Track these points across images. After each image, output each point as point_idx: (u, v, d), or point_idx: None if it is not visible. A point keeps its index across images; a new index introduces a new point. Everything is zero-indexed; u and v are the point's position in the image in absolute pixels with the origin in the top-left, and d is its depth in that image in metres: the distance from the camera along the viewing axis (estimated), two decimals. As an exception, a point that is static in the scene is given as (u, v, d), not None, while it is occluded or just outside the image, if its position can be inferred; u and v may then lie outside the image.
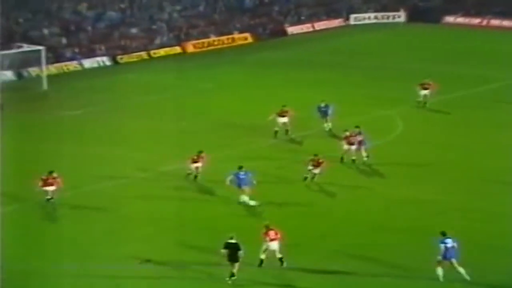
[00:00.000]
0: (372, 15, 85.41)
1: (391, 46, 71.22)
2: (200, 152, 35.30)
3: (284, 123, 41.27)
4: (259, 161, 36.78)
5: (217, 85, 55.26)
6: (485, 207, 31.96)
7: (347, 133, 37.07)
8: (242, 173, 31.89)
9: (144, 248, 28.23)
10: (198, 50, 71.16)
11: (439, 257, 25.44)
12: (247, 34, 76.07)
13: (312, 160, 33.85)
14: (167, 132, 42.64)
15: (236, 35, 75.49)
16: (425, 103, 46.82)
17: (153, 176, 35.72)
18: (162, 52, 68.97)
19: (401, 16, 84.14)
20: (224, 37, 74.38)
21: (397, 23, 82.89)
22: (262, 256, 26.32)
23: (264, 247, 26.32)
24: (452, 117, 45.63)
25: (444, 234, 25.65)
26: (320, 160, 33.81)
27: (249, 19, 79.73)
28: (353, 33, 78.95)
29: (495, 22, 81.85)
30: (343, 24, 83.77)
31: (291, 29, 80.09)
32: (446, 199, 32.65)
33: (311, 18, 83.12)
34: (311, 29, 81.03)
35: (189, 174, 35.18)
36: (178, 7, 78.55)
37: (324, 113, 42.05)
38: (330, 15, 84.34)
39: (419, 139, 41.09)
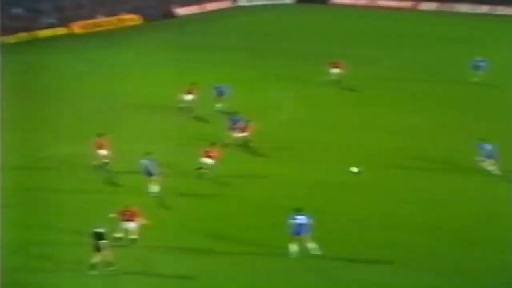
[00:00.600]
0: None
1: (280, 28, 71.49)
2: (101, 135, 33.38)
3: (191, 101, 41.04)
4: (161, 143, 35.91)
5: (105, 67, 54.02)
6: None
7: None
8: (147, 161, 30.74)
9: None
10: (85, 31, 69.36)
11: (291, 233, 25.16)
12: (135, 16, 74.80)
13: (206, 152, 32.46)
14: (53, 116, 41.16)
15: (124, 16, 74.11)
16: (338, 81, 47.27)
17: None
18: (47, 33, 66.86)
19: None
20: (112, 18, 72.91)
21: (287, 4, 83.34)
22: (119, 235, 26.17)
23: (121, 226, 26.28)
24: (343, 96, 45.96)
25: (298, 210, 25.36)
26: (211, 154, 32.37)
27: (137, 0, 78.44)
28: (243, 14, 78.96)
29: (382, 2, 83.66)
30: (232, 5, 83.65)
31: (180, 11, 79.28)
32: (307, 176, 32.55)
33: (200, 0, 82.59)
34: (200, 11, 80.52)
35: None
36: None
37: (220, 93, 41.95)
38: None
39: (310, 120, 40.97)
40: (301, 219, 25.37)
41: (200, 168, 32.22)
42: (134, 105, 43.08)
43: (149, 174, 30.66)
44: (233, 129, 36.30)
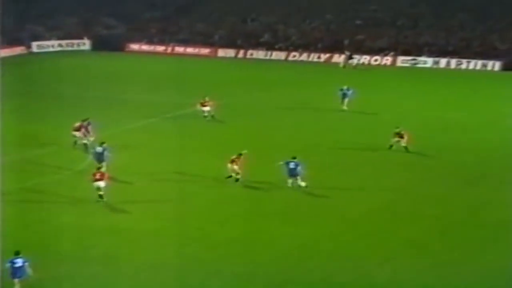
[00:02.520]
0: (56, 43, 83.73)
1: (75, 73, 69.83)
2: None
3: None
4: None
5: None
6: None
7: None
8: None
9: None
10: None
11: None
12: None
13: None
14: None
15: None
16: (212, 116, 49.28)
17: None
18: None
19: (86, 44, 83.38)
20: None
21: (82, 51, 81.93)
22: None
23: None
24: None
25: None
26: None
27: None
28: (36, 60, 76.68)
29: (179, 49, 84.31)
30: (25, 51, 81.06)
31: (-32, 58, 75.67)
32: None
33: (-9, 46, 79.34)
34: (-10, 58, 77.25)
35: None
36: None
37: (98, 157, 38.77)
38: (10, 43, 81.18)
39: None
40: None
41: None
42: None
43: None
44: None
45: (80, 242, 29.54)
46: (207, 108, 50.00)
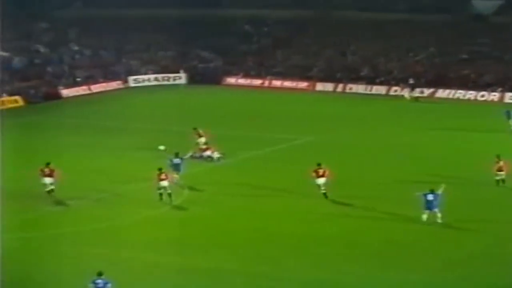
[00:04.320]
0: (152, 77, 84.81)
1: (171, 108, 70.34)
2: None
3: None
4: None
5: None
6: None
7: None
8: None
9: None
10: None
11: None
12: (17, 97, 72.49)
13: None
14: None
15: (5, 98, 71.62)
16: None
17: None
18: None
19: (181, 78, 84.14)
20: (-9, 100, 70.35)
21: (178, 85, 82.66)
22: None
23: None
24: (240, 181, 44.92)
25: None
26: None
27: (19, 81, 76.30)
28: (133, 95, 77.65)
29: (276, 82, 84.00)
30: (122, 86, 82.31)
31: (66, 92, 77.30)
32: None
33: (87, 81, 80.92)
34: (87, 92, 78.73)
35: None
36: None
37: (176, 167, 42.57)
38: (108, 77, 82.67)
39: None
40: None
41: None
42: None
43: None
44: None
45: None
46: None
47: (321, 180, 40.15)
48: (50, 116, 66.19)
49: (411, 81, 76.56)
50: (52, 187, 40.89)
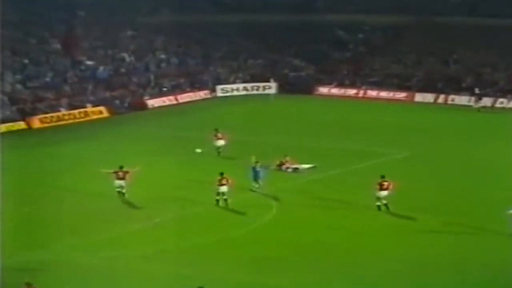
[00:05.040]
0: (240, 86, 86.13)
1: (260, 119, 71.46)
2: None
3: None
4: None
5: (67, 163, 53.50)
6: None
7: None
8: None
9: None
10: (46, 125, 69.14)
11: None
12: (101, 108, 74.78)
13: None
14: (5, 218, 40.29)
15: (89, 109, 74.05)
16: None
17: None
18: (3, 128, 66.45)
19: (271, 87, 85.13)
20: (75, 111, 72.79)
21: (268, 95, 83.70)
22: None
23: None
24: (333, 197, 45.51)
25: None
26: None
27: (104, 91, 78.64)
28: (220, 105, 79.15)
29: (372, 93, 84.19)
30: (209, 96, 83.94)
31: (152, 102, 79.38)
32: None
33: (174, 90, 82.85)
34: (174, 102, 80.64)
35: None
36: (20, 77, 76.48)
37: (256, 176, 45.04)
38: (194, 87, 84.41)
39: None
40: None
41: None
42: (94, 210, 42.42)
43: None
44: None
45: None
46: None
47: (383, 193, 41.38)
48: (135, 127, 67.95)
49: (476, 91, 75.90)
50: (123, 190, 43.91)
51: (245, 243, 37.40)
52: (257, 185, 45.14)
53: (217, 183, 42.46)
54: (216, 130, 56.28)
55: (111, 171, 44.48)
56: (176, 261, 34.75)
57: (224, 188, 42.31)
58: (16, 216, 40.99)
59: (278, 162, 50.62)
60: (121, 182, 44.02)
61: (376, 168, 49.05)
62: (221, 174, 42.74)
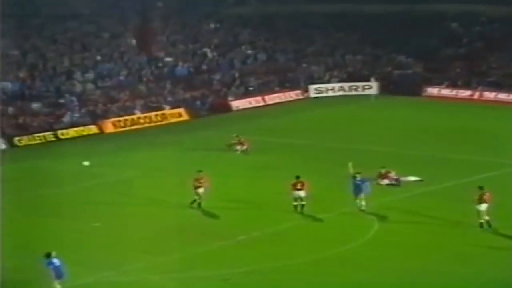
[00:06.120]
0: (337, 86, 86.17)
1: (359, 124, 71.39)
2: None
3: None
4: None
5: (144, 172, 54.51)
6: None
7: None
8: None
9: None
10: (119, 129, 70.54)
11: None
12: (181, 110, 75.82)
13: None
14: (73, 235, 41.32)
15: (167, 111, 75.17)
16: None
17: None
18: (72, 132, 68.13)
19: (372, 87, 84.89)
20: (152, 114, 74.02)
21: (368, 96, 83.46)
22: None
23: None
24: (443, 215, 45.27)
25: None
26: None
27: (183, 91, 79.68)
28: (314, 107, 79.34)
29: (489, 95, 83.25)
30: (301, 97, 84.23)
31: (236, 103, 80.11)
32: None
33: (261, 90, 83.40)
34: (261, 104, 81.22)
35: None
36: (92, 76, 78.12)
37: (357, 188, 44.67)
38: (285, 86, 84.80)
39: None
40: None
41: None
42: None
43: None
44: None
45: None
46: None
47: (482, 206, 41.22)
48: (217, 133, 68.65)
49: None
50: (199, 200, 45.34)
51: (340, 265, 37.48)
52: (359, 201, 44.70)
53: (292, 188, 44.00)
54: (237, 136, 60.46)
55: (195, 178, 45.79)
56: (261, 285, 35.09)
57: (301, 193, 43.81)
58: (86, 231, 42.06)
59: (378, 173, 50.57)
60: (200, 191, 45.31)
61: (492, 181, 48.54)
62: (297, 177, 44.18)
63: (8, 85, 72.94)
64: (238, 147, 59.85)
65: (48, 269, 31.88)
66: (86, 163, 55.74)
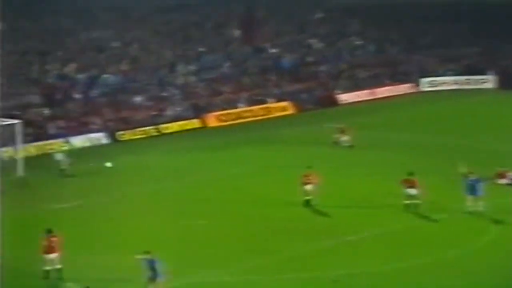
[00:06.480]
0: (450, 79, 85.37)
1: (474, 120, 70.61)
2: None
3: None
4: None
5: (250, 169, 55.02)
6: None
7: None
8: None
9: None
10: (222, 123, 71.20)
11: None
12: (286, 103, 76.11)
13: None
14: (177, 233, 41.87)
15: (272, 105, 75.56)
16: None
17: None
18: (175, 126, 69.01)
19: (489, 81, 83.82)
20: (256, 107, 74.50)
21: (484, 90, 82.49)
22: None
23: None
24: None
25: None
26: None
27: (289, 84, 79.93)
28: (426, 102, 78.81)
29: None
30: (412, 90, 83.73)
31: (344, 97, 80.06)
32: None
33: (370, 83, 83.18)
34: (370, 97, 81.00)
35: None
36: (194, 68, 78.93)
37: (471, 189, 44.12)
38: (395, 79, 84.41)
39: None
40: None
41: None
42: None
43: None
44: None
45: None
46: None
47: None
48: (324, 127, 68.43)
49: None
50: (308, 197, 45.87)
51: (451, 270, 37.17)
52: (472, 202, 43.98)
53: (405, 185, 44.45)
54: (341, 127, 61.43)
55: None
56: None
57: (413, 191, 44.24)
58: (192, 229, 42.62)
59: (495, 172, 50.01)
60: (308, 187, 45.86)
61: None
62: (410, 174, 44.81)
63: (110, 78, 74.17)
64: (343, 138, 60.55)
65: (147, 269, 32.35)
66: (109, 164, 55.07)
